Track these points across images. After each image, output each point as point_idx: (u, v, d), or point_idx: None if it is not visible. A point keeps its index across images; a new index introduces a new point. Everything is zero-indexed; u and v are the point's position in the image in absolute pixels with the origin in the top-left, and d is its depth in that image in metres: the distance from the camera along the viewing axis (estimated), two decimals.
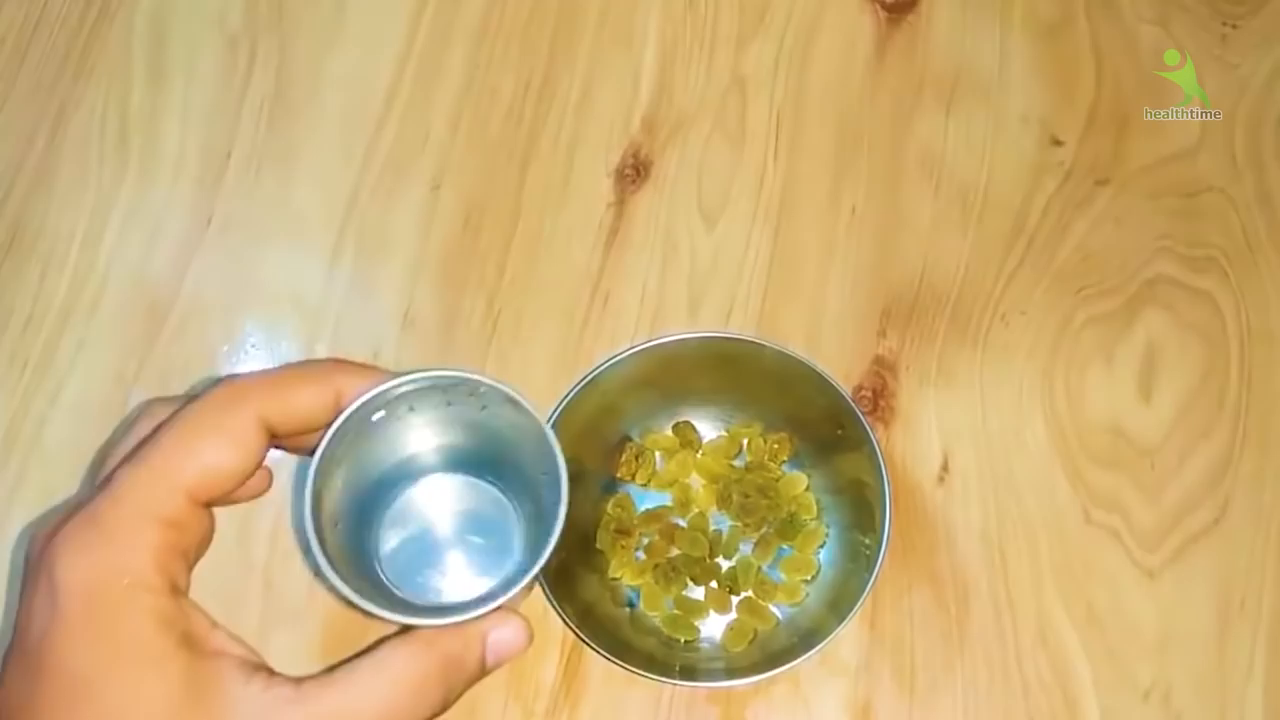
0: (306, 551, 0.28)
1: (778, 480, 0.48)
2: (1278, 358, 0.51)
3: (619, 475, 0.48)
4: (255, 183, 0.55)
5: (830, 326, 0.51)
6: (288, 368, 0.30)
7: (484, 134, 0.55)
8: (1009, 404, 0.50)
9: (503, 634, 0.30)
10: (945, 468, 0.49)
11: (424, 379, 0.30)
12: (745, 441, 0.48)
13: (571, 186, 0.54)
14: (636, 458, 0.48)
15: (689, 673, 0.44)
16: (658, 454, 0.48)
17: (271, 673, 0.27)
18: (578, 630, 0.42)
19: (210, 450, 0.27)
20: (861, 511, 0.46)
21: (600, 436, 0.48)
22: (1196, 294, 0.52)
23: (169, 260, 0.53)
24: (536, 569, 0.30)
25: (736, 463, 0.48)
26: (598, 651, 0.43)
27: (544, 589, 0.43)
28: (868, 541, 0.45)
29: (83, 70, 0.56)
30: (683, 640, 0.46)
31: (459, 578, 0.35)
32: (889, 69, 0.56)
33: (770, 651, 0.44)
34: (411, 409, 0.32)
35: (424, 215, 0.54)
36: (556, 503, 0.31)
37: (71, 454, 0.49)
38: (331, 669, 0.28)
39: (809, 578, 0.46)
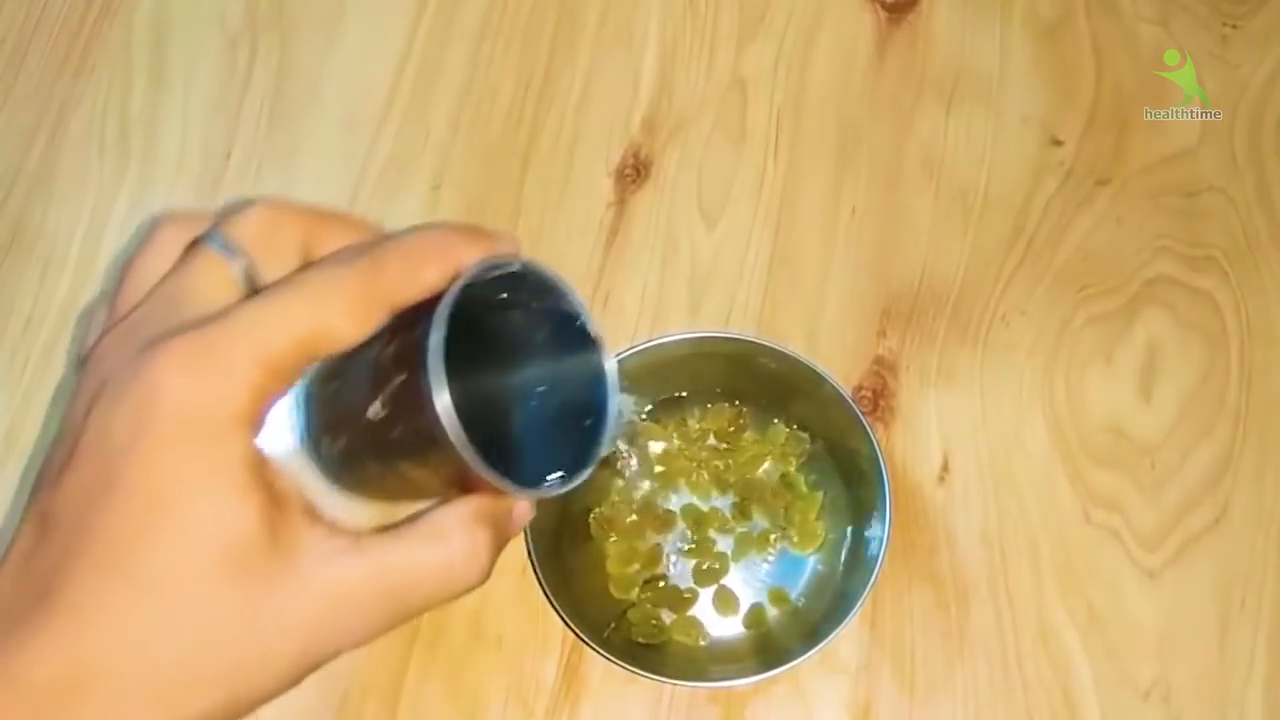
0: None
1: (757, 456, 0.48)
2: (1278, 358, 0.51)
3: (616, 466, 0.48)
4: (255, 182, 0.55)
5: (830, 326, 0.51)
6: (418, 243, 0.28)
7: (484, 134, 0.55)
8: (1009, 404, 0.50)
9: (521, 506, 0.31)
10: (945, 468, 0.49)
11: (535, 270, 0.29)
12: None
13: (571, 186, 0.54)
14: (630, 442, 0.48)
15: (689, 673, 0.44)
16: (651, 442, 0.48)
17: (330, 523, 0.28)
18: (578, 630, 0.42)
19: (337, 317, 0.27)
20: (862, 511, 0.46)
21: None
22: (1196, 294, 0.52)
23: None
24: (591, 466, 0.29)
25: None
26: (598, 651, 0.43)
27: (544, 589, 0.43)
28: (868, 541, 0.45)
29: (83, 70, 0.56)
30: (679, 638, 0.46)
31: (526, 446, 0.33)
32: (889, 69, 0.56)
33: (770, 651, 0.44)
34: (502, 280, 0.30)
35: (424, 215, 0.54)
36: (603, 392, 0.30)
37: None
38: (388, 529, 0.28)
39: (819, 539, 0.47)
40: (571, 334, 0.31)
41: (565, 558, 0.46)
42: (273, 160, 0.55)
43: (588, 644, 0.43)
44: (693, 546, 0.47)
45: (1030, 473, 0.49)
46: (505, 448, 0.27)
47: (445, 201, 0.54)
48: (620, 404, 0.31)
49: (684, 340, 0.47)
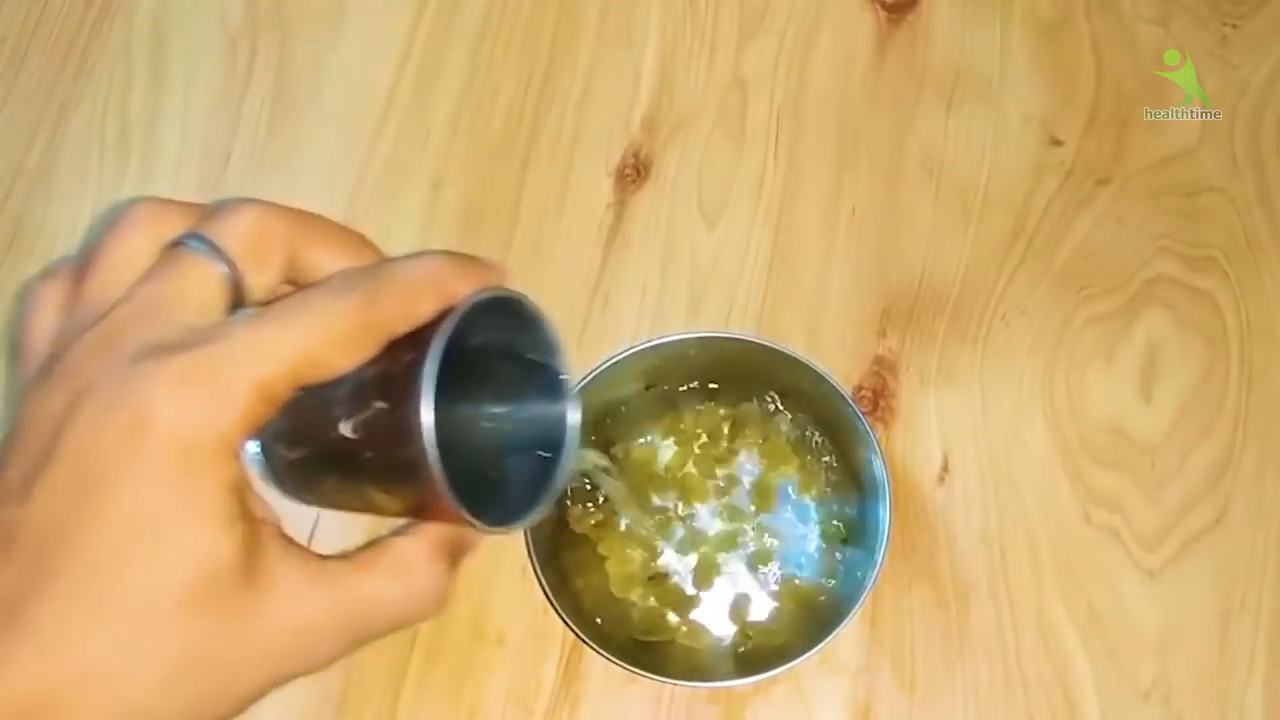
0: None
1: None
2: (1278, 358, 0.51)
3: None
4: (255, 182, 0.55)
5: (830, 326, 0.51)
6: (414, 275, 0.28)
7: (484, 134, 0.55)
8: (1009, 404, 0.50)
9: (475, 536, 0.31)
10: (945, 468, 0.49)
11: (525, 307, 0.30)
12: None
13: (571, 186, 0.54)
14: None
15: (689, 673, 0.44)
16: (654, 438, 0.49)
17: (301, 547, 0.28)
18: (578, 630, 0.42)
19: (332, 347, 0.26)
20: (861, 511, 0.46)
21: (600, 437, 0.48)
22: (1197, 294, 0.52)
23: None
24: (540, 509, 0.30)
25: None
26: (598, 651, 0.43)
27: (544, 589, 0.43)
28: (868, 542, 0.45)
29: (83, 70, 0.56)
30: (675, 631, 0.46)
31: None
32: (889, 69, 0.56)
33: (770, 651, 0.44)
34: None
35: (424, 215, 0.54)
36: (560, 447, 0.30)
37: None
38: (353, 552, 0.28)
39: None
40: (545, 371, 0.31)
41: (565, 557, 0.46)
42: (273, 160, 0.55)
43: (588, 644, 0.43)
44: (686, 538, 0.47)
45: (1030, 473, 0.49)
46: (467, 477, 0.27)
47: (445, 201, 0.54)
48: (580, 458, 0.31)
49: (684, 340, 0.47)
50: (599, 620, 0.45)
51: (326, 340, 0.26)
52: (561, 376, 0.31)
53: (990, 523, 0.48)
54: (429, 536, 0.29)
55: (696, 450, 0.48)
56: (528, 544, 0.44)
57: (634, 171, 0.54)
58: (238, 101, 0.56)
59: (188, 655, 0.25)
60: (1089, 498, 0.48)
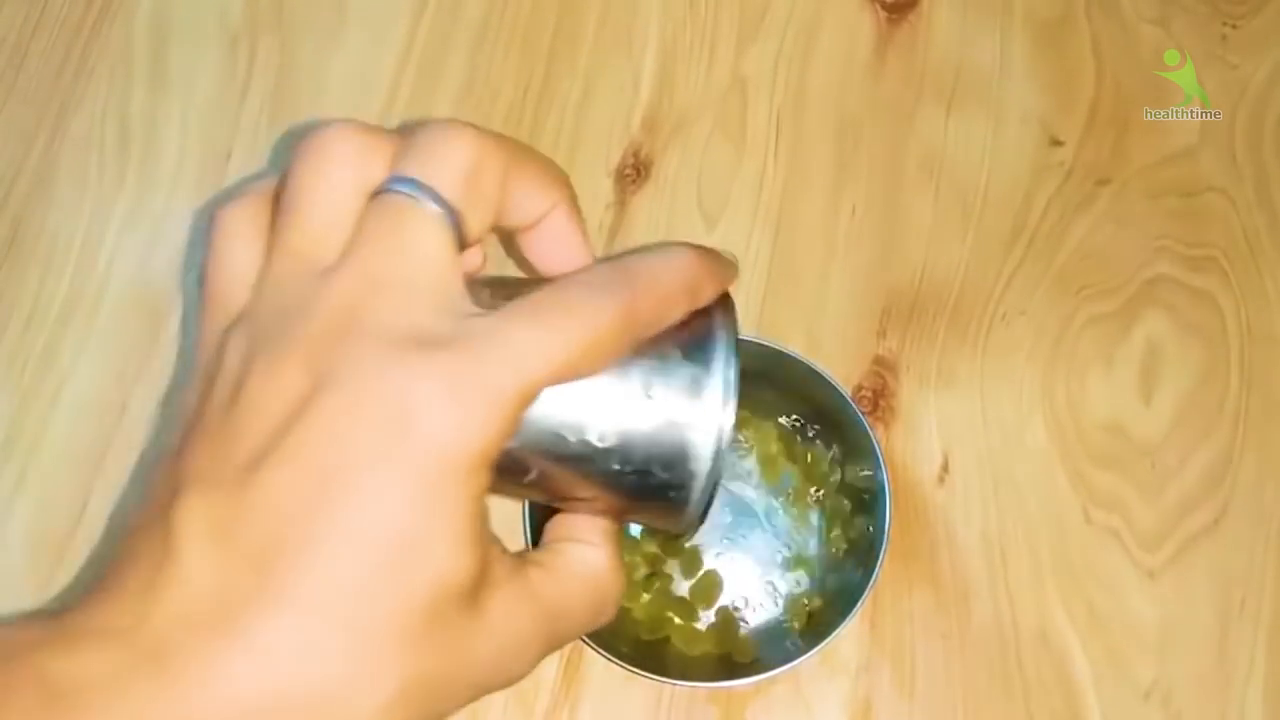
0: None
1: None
2: (1278, 358, 0.51)
3: None
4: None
5: (830, 326, 0.51)
6: (669, 277, 0.26)
7: None
8: (1009, 404, 0.50)
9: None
10: (945, 468, 0.49)
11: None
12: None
13: None
14: None
15: (689, 673, 0.44)
16: None
17: (511, 557, 0.26)
18: None
19: (592, 353, 0.25)
20: (861, 512, 0.46)
21: None
22: (1196, 294, 0.52)
23: (170, 260, 0.53)
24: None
25: None
26: (598, 651, 0.43)
27: None
28: (868, 542, 0.45)
29: (83, 71, 0.56)
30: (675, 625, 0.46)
31: None
32: (889, 69, 0.56)
33: (770, 651, 0.44)
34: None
35: None
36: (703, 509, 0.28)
37: (72, 454, 0.49)
38: (538, 557, 0.28)
39: None
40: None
41: None
42: (273, 160, 0.55)
43: (588, 644, 0.43)
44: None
45: (1030, 473, 0.49)
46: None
47: None
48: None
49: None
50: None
51: (588, 344, 0.24)
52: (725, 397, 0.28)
53: (990, 523, 0.48)
54: (611, 544, 0.28)
55: None
56: (528, 544, 0.44)
57: (634, 171, 0.54)
58: (238, 102, 0.56)
59: (410, 682, 0.23)
60: (1089, 498, 0.48)
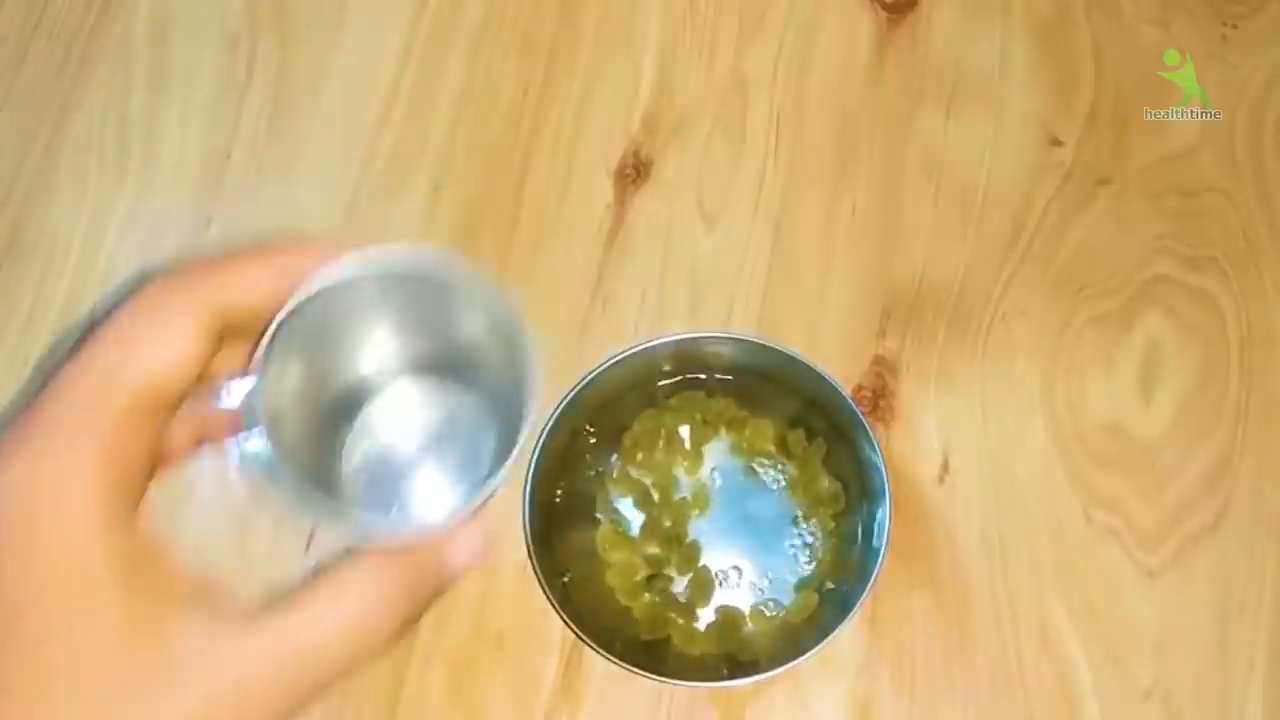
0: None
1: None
2: (1278, 358, 0.51)
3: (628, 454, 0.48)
4: (255, 183, 0.55)
5: (830, 326, 0.51)
6: (239, 251, 0.26)
7: (484, 134, 0.55)
8: (1009, 404, 0.50)
9: (461, 544, 0.28)
10: (945, 468, 0.49)
11: (392, 258, 0.27)
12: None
13: (571, 186, 0.54)
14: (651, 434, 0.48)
15: (689, 673, 0.44)
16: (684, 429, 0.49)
17: (218, 603, 0.25)
18: (577, 630, 0.42)
19: (149, 348, 0.24)
20: (861, 512, 0.46)
21: (601, 436, 0.48)
22: (1196, 294, 0.52)
23: (169, 260, 0.53)
24: (495, 481, 0.27)
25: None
26: (598, 651, 0.43)
27: (544, 590, 0.43)
28: (868, 542, 0.45)
29: (83, 71, 0.56)
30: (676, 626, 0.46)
31: (429, 492, 0.32)
32: (889, 69, 0.56)
33: (770, 651, 0.44)
34: (373, 300, 0.29)
35: (424, 215, 0.54)
36: (523, 406, 0.28)
37: None
38: (296, 588, 0.26)
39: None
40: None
41: (565, 557, 0.46)
42: (273, 161, 0.55)
43: (588, 644, 0.43)
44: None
45: (1030, 473, 0.49)
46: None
47: (445, 202, 0.54)
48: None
49: (684, 340, 0.47)
50: (599, 620, 0.45)
51: (150, 346, 0.25)
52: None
53: (990, 523, 0.48)
54: (370, 558, 0.26)
55: (688, 447, 0.48)
56: (528, 544, 0.44)
57: (634, 171, 0.54)
58: (238, 102, 0.56)
59: None
60: (1089, 498, 0.48)
